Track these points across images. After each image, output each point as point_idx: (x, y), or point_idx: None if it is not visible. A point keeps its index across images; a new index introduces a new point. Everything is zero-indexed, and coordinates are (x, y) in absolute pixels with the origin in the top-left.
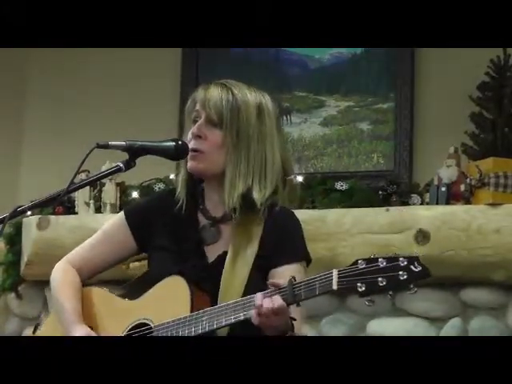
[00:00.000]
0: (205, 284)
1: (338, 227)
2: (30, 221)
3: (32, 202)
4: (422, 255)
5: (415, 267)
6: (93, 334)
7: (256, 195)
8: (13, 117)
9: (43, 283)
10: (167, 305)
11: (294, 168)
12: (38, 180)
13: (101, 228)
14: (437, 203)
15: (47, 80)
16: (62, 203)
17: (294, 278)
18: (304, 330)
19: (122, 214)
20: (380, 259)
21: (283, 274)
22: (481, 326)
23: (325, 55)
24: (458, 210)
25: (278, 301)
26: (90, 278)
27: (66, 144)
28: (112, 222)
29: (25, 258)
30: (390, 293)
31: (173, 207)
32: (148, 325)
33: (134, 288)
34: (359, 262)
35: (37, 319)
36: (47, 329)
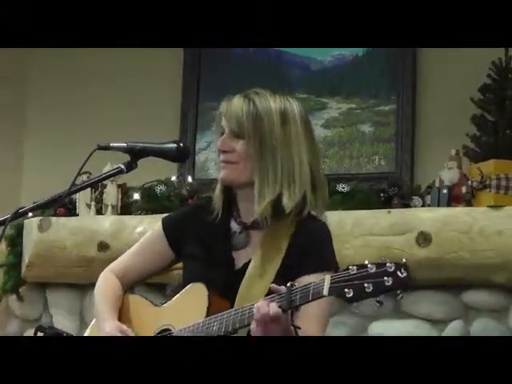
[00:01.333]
0: (230, 291)
1: (340, 229)
2: (31, 222)
3: (33, 203)
4: (423, 257)
5: (401, 273)
6: (120, 329)
7: (286, 201)
8: (14, 118)
9: (44, 285)
10: (186, 311)
11: None
12: (40, 182)
13: (143, 237)
14: (438, 205)
15: (49, 82)
16: (64, 205)
17: (292, 283)
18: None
19: (160, 223)
20: (369, 265)
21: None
22: (483, 328)
23: (326, 57)
24: (459, 212)
25: (273, 308)
26: (132, 285)
27: (68, 146)
28: (151, 231)
29: (26, 260)
30: (378, 299)
31: (208, 216)
32: (170, 330)
33: (170, 295)
34: (350, 267)
35: (38, 321)
36: (91, 332)
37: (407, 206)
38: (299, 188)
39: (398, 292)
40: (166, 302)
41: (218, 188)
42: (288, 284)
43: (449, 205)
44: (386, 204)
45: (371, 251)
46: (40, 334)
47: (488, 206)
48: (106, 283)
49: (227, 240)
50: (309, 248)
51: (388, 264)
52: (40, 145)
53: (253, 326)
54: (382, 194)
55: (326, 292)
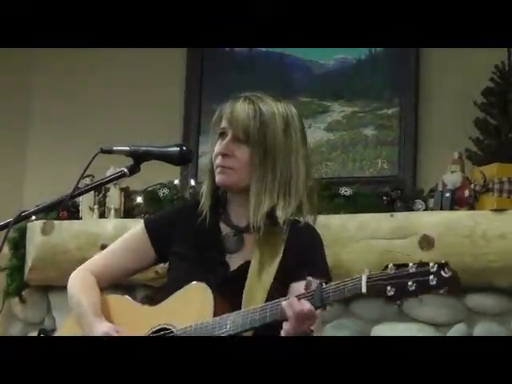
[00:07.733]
0: (226, 292)
1: (343, 233)
2: (35, 226)
3: (36, 206)
4: (426, 261)
5: (445, 273)
6: (115, 329)
7: (279, 213)
8: (17, 121)
9: (47, 288)
10: (190, 310)
11: None
12: (43, 185)
13: (121, 237)
14: (441, 209)
15: (51, 84)
16: (67, 208)
17: (322, 282)
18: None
19: (141, 223)
20: (410, 264)
21: (301, 290)
22: (485, 331)
23: (329, 60)
24: (462, 215)
25: (307, 304)
26: (108, 286)
27: (71, 149)
28: (132, 231)
29: (29, 263)
30: (420, 297)
31: (195, 217)
32: (169, 329)
33: (156, 295)
34: (389, 266)
35: (41, 324)
36: (65, 331)
37: (410, 209)
38: (294, 199)
39: (442, 291)
40: (159, 302)
41: (207, 190)
42: (318, 282)
43: (452, 208)
44: (389, 207)
45: (374, 255)
46: None
47: (491, 210)
48: (85, 282)
49: (220, 242)
50: (302, 254)
51: (431, 264)
52: (43, 148)
53: (287, 324)
54: (384, 198)
55: (364, 289)
